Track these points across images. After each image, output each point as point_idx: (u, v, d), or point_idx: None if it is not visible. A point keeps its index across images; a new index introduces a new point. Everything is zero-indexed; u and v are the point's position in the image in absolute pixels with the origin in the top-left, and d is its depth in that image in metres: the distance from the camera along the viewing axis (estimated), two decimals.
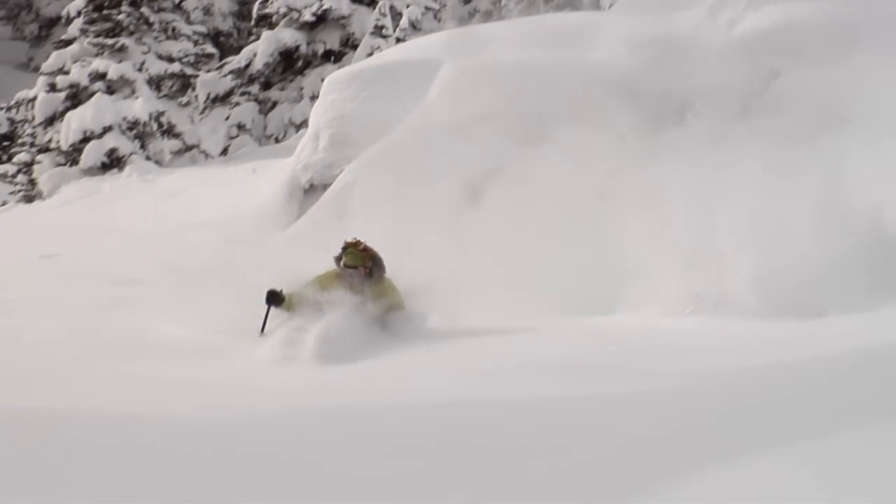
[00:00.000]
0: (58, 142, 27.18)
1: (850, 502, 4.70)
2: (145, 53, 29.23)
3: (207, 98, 30.32)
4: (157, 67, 29.70)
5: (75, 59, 27.97)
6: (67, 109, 27.26)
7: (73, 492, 5.58)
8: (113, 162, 26.17)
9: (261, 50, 29.77)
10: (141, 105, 26.73)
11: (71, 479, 5.77)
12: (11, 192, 27.73)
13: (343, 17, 29.48)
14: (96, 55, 27.97)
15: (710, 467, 5.48)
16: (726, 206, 10.61)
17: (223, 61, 31.28)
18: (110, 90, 27.23)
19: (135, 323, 11.11)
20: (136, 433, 6.63)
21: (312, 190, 15.57)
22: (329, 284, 10.76)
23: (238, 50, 31.78)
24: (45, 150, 27.85)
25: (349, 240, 10.85)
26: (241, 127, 29.54)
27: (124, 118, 26.57)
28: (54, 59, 28.44)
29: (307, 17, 29.39)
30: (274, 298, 10.69)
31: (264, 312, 10.69)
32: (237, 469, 5.85)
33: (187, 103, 30.83)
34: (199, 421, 6.97)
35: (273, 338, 10.32)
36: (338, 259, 10.87)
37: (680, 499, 5.12)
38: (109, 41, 28.18)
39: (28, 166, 28.10)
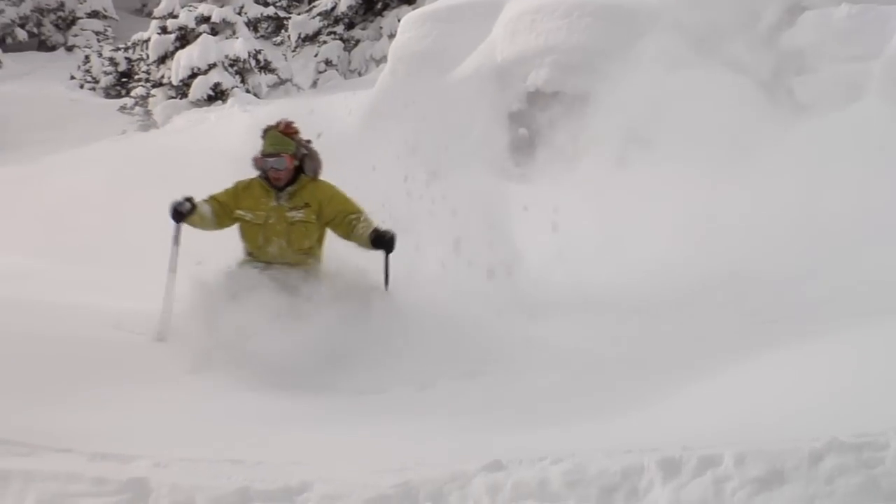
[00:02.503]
0: (169, 78, 27.35)
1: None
2: None
3: (298, 37, 30.41)
4: (254, 11, 29.82)
5: (183, 5, 28.08)
6: (177, 49, 27.41)
7: None
8: (217, 95, 26.32)
9: None
10: (241, 44, 26.82)
11: None
12: (130, 123, 28.05)
13: None
14: (201, 1, 28.07)
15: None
16: None
17: (312, 4, 31.22)
18: (214, 32, 27.33)
19: None
20: None
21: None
22: (245, 196, 7.53)
23: None
24: (158, 85, 28.08)
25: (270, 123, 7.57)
26: (328, 63, 29.56)
27: (226, 56, 26.68)
28: (165, 4, 28.55)
29: None
30: (179, 214, 7.36)
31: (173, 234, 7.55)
32: None
33: (281, 42, 30.97)
34: None
35: None
36: (257, 160, 7.53)
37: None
38: None
39: (144, 99, 28.39)
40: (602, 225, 9.33)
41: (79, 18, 38.35)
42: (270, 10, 30.48)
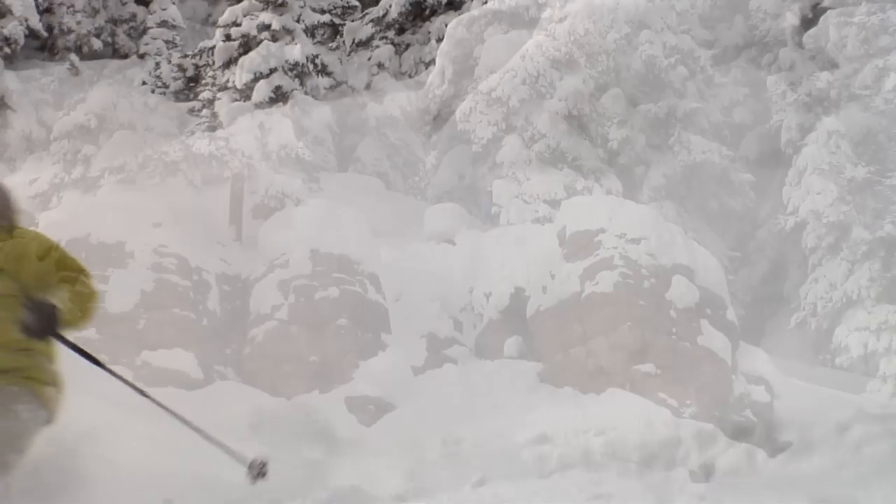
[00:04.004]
0: (233, 82, 27.47)
1: None
2: (301, 7, 29.34)
3: (353, 42, 30.56)
4: (311, 18, 29.91)
5: (245, 14, 28.14)
6: (240, 55, 27.44)
7: None
8: (278, 97, 26.41)
9: (395, 1, 29.84)
10: (299, 50, 26.86)
11: None
12: (198, 124, 28.20)
13: None
14: (262, 10, 28.13)
15: None
16: None
17: (364, 12, 31.38)
18: (274, 38, 27.35)
19: None
20: None
21: (440, 113, 15.73)
22: None
23: (376, 2, 31.82)
24: (223, 88, 28.15)
25: None
26: (380, 66, 29.65)
27: (286, 61, 26.71)
28: (228, 14, 28.64)
29: None
30: None
31: None
32: None
33: (336, 47, 31.10)
34: None
35: None
36: None
37: None
38: None
39: (210, 102, 28.49)
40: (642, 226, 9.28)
41: (149, 28, 38.64)
42: (326, 18, 30.58)
